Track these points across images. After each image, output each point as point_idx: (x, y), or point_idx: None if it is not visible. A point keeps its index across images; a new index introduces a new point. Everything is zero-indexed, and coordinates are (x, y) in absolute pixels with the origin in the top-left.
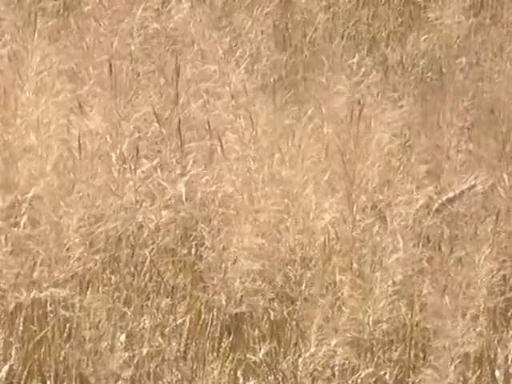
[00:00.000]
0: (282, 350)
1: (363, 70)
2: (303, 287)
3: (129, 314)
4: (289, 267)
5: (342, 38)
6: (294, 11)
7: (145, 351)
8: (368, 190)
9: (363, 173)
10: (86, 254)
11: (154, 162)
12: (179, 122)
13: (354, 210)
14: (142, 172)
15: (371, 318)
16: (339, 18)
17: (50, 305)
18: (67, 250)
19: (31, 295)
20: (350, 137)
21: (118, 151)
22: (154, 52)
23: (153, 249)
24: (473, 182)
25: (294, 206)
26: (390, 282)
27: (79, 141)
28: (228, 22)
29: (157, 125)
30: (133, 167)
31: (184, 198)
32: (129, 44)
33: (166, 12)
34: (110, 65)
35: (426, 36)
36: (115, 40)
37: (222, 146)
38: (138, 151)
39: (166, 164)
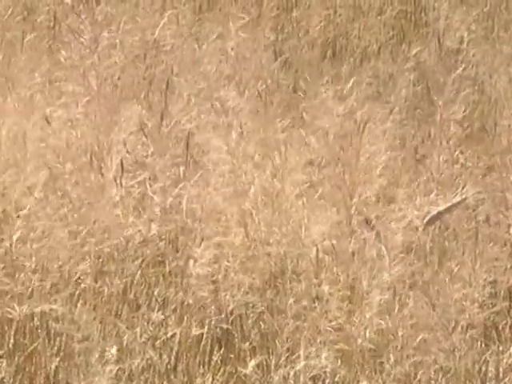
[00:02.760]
0: (274, 362)
1: (354, 82)
2: (293, 300)
3: (120, 326)
4: (279, 280)
5: (334, 50)
6: (285, 24)
7: (136, 364)
8: (359, 202)
9: (354, 185)
10: (76, 267)
11: (143, 175)
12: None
13: (345, 222)
14: (131, 185)
15: (361, 330)
16: (330, 31)
17: (41, 318)
18: (58, 263)
19: (23, 310)
20: (342, 150)
21: (105, 164)
22: (141, 64)
23: (143, 261)
24: (464, 196)
25: (284, 218)
26: (380, 295)
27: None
28: (217, 31)
29: (144, 138)
30: (120, 180)
31: (173, 211)
32: (116, 55)
33: (153, 23)
34: (98, 77)
35: (417, 49)
36: (101, 52)
37: (197, 160)
38: (124, 164)
39: (155, 177)
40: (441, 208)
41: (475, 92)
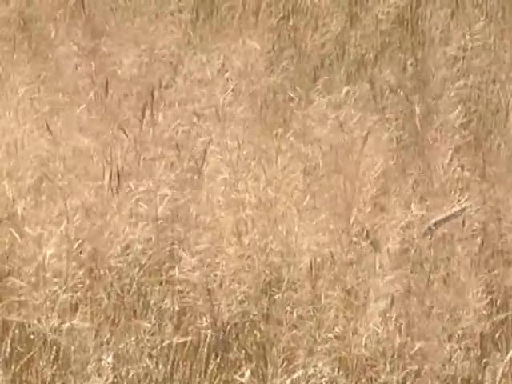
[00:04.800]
0: (270, 371)
1: (351, 90)
2: (289, 308)
3: (116, 335)
4: (274, 289)
5: (330, 58)
6: (282, 32)
7: (132, 372)
8: (356, 211)
9: (351, 194)
10: (72, 276)
11: (138, 183)
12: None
13: (342, 231)
14: (126, 193)
15: (358, 339)
16: (327, 39)
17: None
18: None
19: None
20: (338, 159)
21: (101, 171)
22: (137, 71)
23: (139, 269)
24: (463, 205)
25: (280, 227)
26: (377, 303)
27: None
28: (214, 40)
29: (139, 145)
30: (117, 187)
31: (168, 219)
32: (111, 64)
33: (149, 30)
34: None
35: (414, 57)
36: (97, 60)
37: (199, 169)
38: (120, 171)
39: (150, 185)
40: (438, 217)
41: (473, 101)
